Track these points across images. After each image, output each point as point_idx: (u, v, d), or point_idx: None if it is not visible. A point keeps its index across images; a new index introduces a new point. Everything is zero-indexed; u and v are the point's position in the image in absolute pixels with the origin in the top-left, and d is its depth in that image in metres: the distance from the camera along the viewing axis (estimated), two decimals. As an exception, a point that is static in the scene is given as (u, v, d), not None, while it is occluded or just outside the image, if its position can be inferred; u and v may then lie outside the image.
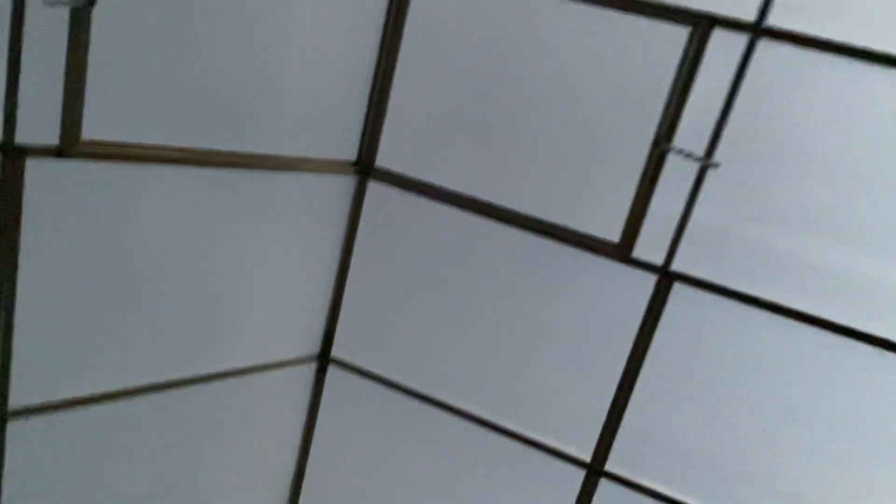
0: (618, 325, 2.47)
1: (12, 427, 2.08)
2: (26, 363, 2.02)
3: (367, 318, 2.83)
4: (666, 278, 2.36)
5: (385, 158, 2.62)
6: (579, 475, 2.65)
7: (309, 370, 2.89)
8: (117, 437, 2.41)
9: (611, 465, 2.60)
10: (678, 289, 2.36)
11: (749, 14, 2.09)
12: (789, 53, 2.07)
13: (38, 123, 1.74)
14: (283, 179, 2.42)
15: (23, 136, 1.74)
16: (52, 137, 1.78)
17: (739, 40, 2.11)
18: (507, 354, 2.67)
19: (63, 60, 1.71)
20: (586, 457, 2.62)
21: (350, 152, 2.59)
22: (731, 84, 2.14)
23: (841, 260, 2.17)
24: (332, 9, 2.33)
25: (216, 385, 2.59)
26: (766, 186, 2.20)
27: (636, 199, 2.34)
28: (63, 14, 1.65)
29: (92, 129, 1.84)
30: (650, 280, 2.39)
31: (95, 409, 2.26)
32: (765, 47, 2.09)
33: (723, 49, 2.13)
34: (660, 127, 2.25)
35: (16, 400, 2.05)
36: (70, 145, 1.79)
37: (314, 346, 2.86)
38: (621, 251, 2.40)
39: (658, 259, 2.36)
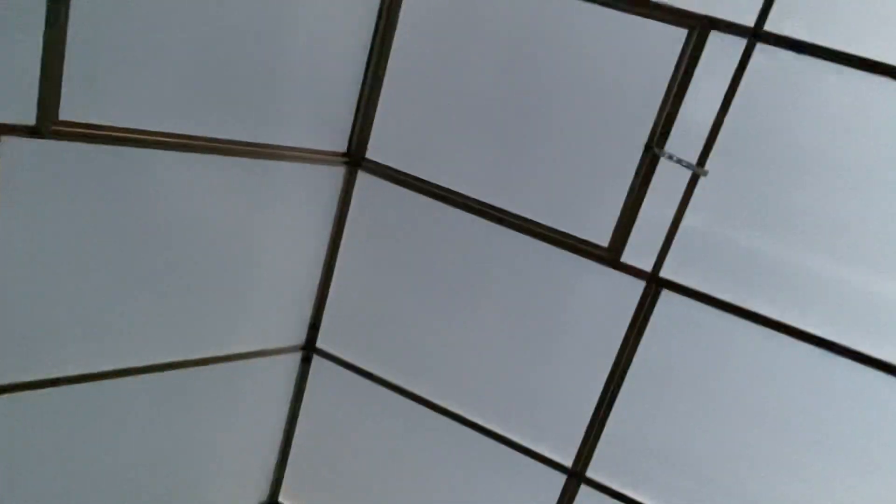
0: (604, 330, 2.42)
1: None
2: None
3: (354, 311, 2.80)
4: (654, 285, 2.31)
5: (375, 151, 2.59)
6: (560, 480, 2.62)
7: (294, 360, 2.88)
8: (102, 418, 2.41)
9: (592, 471, 2.56)
10: (666, 295, 2.31)
11: (748, 18, 2.02)
12: (787, 59, 2.01)
13: (14, 102, 1.73)
14: (271, 168, 2.40)
15: (-1, 115, 1.73)
16: (29, 117, 1.76)
17: (737, 44, 2.04)
18: (492, 355, 2.63)
19: (40, 39, 1.69)
20: (567, 461, 2.59)
21: (341, 143, 2.57)
22: (728, 88, 2.08)
23: (830, 274, 2.11)
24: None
25: (203, 370, 2.59)
26: (758, 194, 2.14)
27: (627, 203, 2.29)
28: (40, -8, 1.64)
29: (70, 109, 1.82)
30: (638, 286, 2.34)
31: (75, 389, 2.26)
32: (762, 52, 2.03)
33: (720, 52, 2.07)
34: (653, 130, 2.20)
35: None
36: (46, 125, 1.78)
37: (300, 337, 2.85)
38: (610, 255, 2.35)
39: (647, 265, 2.31)
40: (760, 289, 2.20)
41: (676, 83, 2.14)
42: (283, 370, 2.87)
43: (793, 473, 2.27)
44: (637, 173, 2.25)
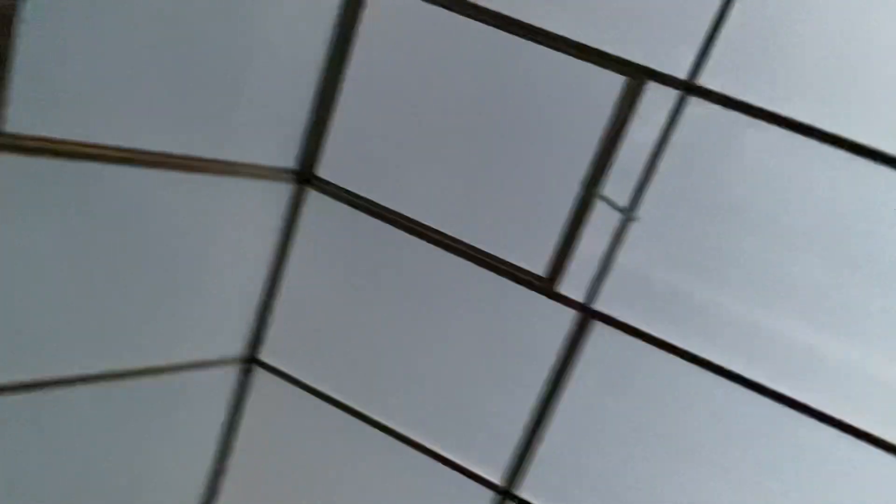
0: (536, 356, 2.53)
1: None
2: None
3: (297, 325, 2.84)
4: (586, 315, 2.43)
5: (326, 169, 2.64)
6: (488, 497, 2.71)
7: (234, 371, 2.90)
8: (39, 427, 2.39)
9: (521, 491, 2.66)
10: (598, 327, 2.43)
11: (682, 71, 2.15)
12: (718, 114, 2.14)
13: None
14: (221, 183, 2.42)
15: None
16: (-29, 129, 1.76)
17: (671, 95, 2.17)
18: (429, 372, 2.71)
19: (-14, 52, 1.69)
20: (497, 479, 2.68)
21: (290, 160, 2.60)
22: (661, 136, 2.21)
23: (753, 316, 2.25)
24: (283, 10, 2.34)
25: (144, 380, 2.58)
26: (688, 239, 2.27)
27: (563, 236, 2.40)
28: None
29: (17, 122, 1.82)
30: (571, 316, 2.45)
31: (12, 399, 2.25)
32: (695, 105, 2.16)
33: (655, 101, 2.19)
34: (591, 170, 2.31)
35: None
36: (-10, 138, 1.78)
37: (242, 349, 2.87)
38: (546, 285, 2.45)
39: (581, 296, 2.42)
40: (687, 327, 2.32)
41: (614, 127, 2.25)
42: (223, 381, 2.88)
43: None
44: (574, 209, 2.36)
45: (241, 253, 2.65)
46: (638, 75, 2.19)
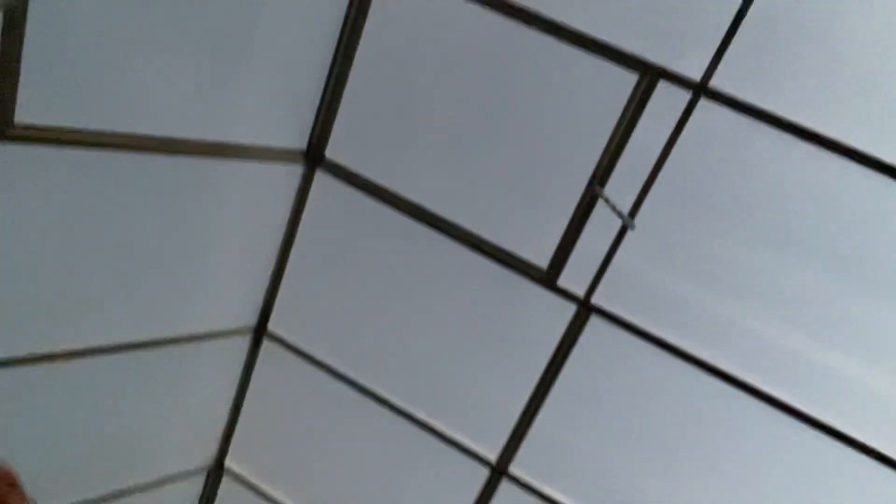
0: (535, 345, 2.57)
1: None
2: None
3: (304, 301, 2.92)
4: (585, 309, 2.46)
5: (335, 152, 2.65)
6: (484, 472, 2.82)
7: (245, 342, 3.00)
8: (65, 393, 2.53)
9: (514, 468, 2.76)
10: (594, 320, 2.46)
11: (696, 72, 2.10)
12: (728, 117, 2.10)
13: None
14: (232, 164, 2.46)
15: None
16: (-15, 120, 1.80)
17: (682, 96, 2.13)
18: (431, 354, 2.78)
19: (-4, 46, 1.72)
20: (492, 457, 2.78)
21: (301, 141, 2.62)
22: (670, 135, 2.17)
23: (745, 321, 2.26)
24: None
25: (159, 349, 2.70)
26: (687, 241, 2.27)
27: (567, 231, 2.40)
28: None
29: (28, 113, 1.86)
30: (570, 309, 2.48)
31: (42, 367, 2.37)
32: (705, 107, 2.12)
33: (666, 101, 2.15)
34: (597, 167, 2.29)
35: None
36: (2, 128, 1.82)
37: (251, 320, 2.96)
38: (548, 277, 2.48)
39: (581, 291, 2.45)
40: (681, 325, 2.35)
41: (623, 125, 2.22)
42: (235, 350, 2.99)
43: (694, 496, 2.49)
44: (578, 206, 2.35)
45: (254, 231, 2.71)
46: (651, 74, 2.14)
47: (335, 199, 2.68)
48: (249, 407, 3.15)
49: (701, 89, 2.11)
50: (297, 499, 3.26)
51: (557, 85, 2.33)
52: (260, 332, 3.01)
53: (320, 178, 2.68)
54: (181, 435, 3.13)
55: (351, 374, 2.91)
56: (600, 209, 2.35)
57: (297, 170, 2.65)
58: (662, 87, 2.15)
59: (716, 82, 2.09)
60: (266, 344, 3.02)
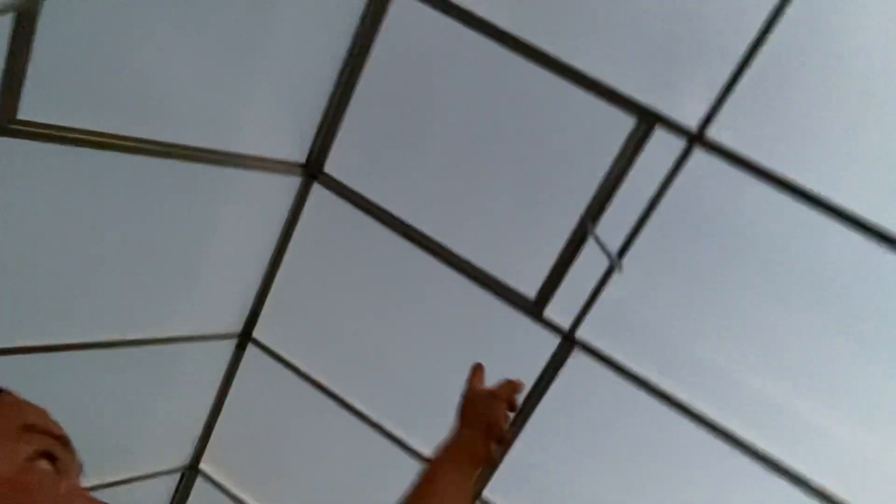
0: (517, 373, 2.58)
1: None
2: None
3: (291, 310, 2.94)
4: (568, 343, 2.48)
5: (334, 167, 2.68)
6: (457, 495, 2.83)
7: (230, 346, 3.01)
8: (53, 384, 2.50)
9: (489, 493, 2.77)
10: (577, 355, 2.48)
11: (693, 121, 2.14)
12: (721, 168, 2.14)
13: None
14: (229, 173, 2.48)
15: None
16: (-10, 115, 1.82)
17: (678, 144, 2.16)
18: (413, 371, 2.80)
19: (6, 45, 1.74)
20: (466, 481, 2.79)
21: (300, 154, 2.64)
22: (663, 181, 2.21)
23: (727, 368, 2.30)
24: (304, 12, 2.34)
25: (144, 349, 2.70)
26: (674, 284, 2.31)
27: (557, 264, 2.43)
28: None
29: (30, 110, 1.88)
30: (554, 340, 2.51)
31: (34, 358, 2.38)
32: (700, 156, 2.15)
33: (662, 147, 2.19)
34: (589, 205, 2.32)
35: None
36: (5, 124, 1.84)
37: (238, 326, 2.98)
38: (535, 308, 2.50)
39: (566, 323, 2.47)
40: (662, 365, 2.38)
41: (618, 166, 2.26)
42: (219, 354, 3.00)
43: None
44: (570, 240, 2.38)
45: (247, 239, 2.73)
46: (648, 119, 2.18)
47: (330, 214, 2.70)
48: (228, 411, 3.16)
49: (697, 138, 2.14)
50: (267, 505, 3.27)
51: (558, 121, 2.36)
52: (245, 338, 3.02)
53: (317, 192, 2.70)
54: (159, 434, 3.13)
55: (331, 387, 2.93)
56: (591, 244, 2.38)
57: (294, 182, 2.68)
58: (659, 132, 2.19)
59: (712, 132, 2.13)
60: (250, 350, 3.03)
